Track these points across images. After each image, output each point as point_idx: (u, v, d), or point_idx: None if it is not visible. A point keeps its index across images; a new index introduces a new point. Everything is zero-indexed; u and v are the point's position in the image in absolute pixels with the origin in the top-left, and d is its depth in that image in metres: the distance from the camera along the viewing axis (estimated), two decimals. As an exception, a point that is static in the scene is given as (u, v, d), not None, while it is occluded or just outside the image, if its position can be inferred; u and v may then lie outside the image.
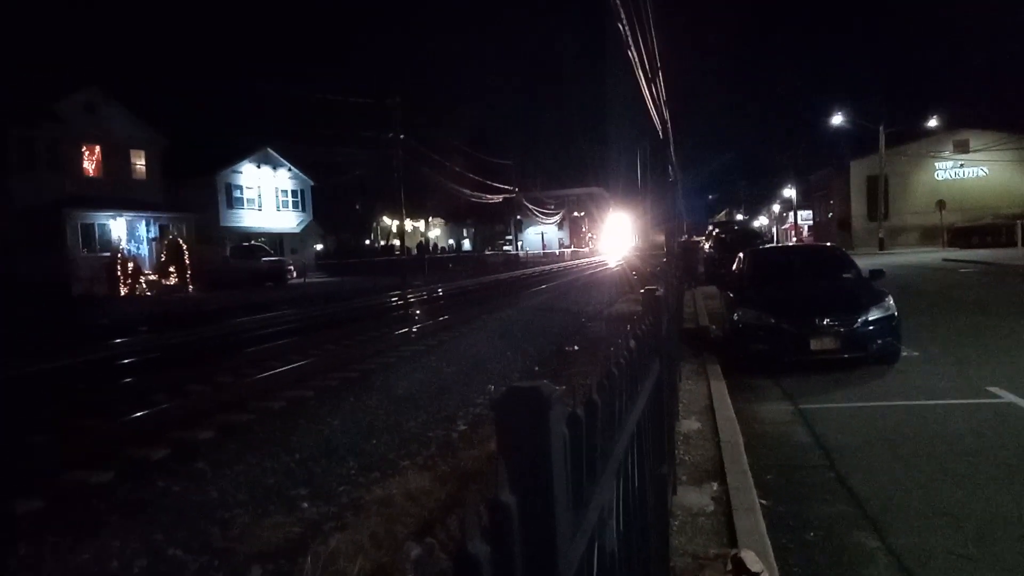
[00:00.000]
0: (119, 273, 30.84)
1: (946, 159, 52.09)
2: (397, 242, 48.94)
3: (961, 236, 45.04)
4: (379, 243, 67.50)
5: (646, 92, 16.75)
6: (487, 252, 70.33)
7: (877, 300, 9.64)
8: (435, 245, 69.55)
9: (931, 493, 5.04)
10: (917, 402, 7.63)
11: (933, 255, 35.82)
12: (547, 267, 54.26)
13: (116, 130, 36.21)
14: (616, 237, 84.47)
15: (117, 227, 34.75)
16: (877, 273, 10.82)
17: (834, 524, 4.62)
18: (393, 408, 8.91)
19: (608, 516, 1.71)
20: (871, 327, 9.28)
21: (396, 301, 25.35)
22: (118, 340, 16.07)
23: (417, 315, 19.69)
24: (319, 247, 56.07)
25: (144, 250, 35.62)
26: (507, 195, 63.90)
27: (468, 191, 55.56)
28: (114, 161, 36.48)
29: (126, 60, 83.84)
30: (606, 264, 51.79)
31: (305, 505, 5.84)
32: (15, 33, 57.23)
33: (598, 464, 1.52)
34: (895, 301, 9.73)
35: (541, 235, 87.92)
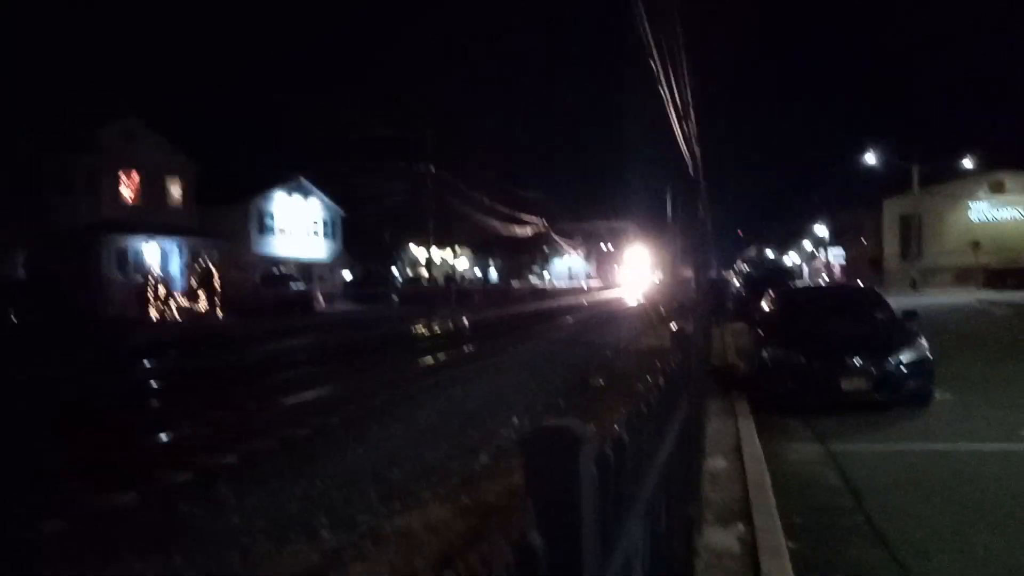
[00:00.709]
0: (150, 297, 31.28)
1: (981, 199, 51.45)
2: (424, 272, 49.19)
3: (996, 278, 44.28)
4: (406, 272, 67.89)
5: (677, 128, 16.78)
6: (513, 283, 70.36)
7: (910, 341, 9.47)
8: (462, 275, 69.80)
9: (963, 540, 4.89)
10: (950, 446, 7.44)
11: (967, 296, 35.21)
12: (573, 299, 54.16)
13: (152, 157, 36.99)
14: (644, 271, 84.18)
15: (150, 251, 35.33)
16: (911, 314, 10.64)
17: (863, 569, 4.50)
18: (416, 438, 8.88)
19: (634, 556, 1.67)
20: (904, 369, 9.11)
21: (422, 332, 25.40)
22: (146, 364, 16.25)
23: (442, 345, 19.70)
24: (347, 275, 56.48)
25: (176, 275, 36.15)
26: (535, 227, 64.07)
27: (496, 222, 55.80)
28: (149, 187, 37.23)
29: (164, 88, 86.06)
30: (633, 297, 51.62)
31: (325, 534, 5.81)
32: (58, 60, 59.03)
33: (626, 504, 1.49)
34: (928, 343, 9.55)
35: (568, 267, 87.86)
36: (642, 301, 43.31)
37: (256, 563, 5.29)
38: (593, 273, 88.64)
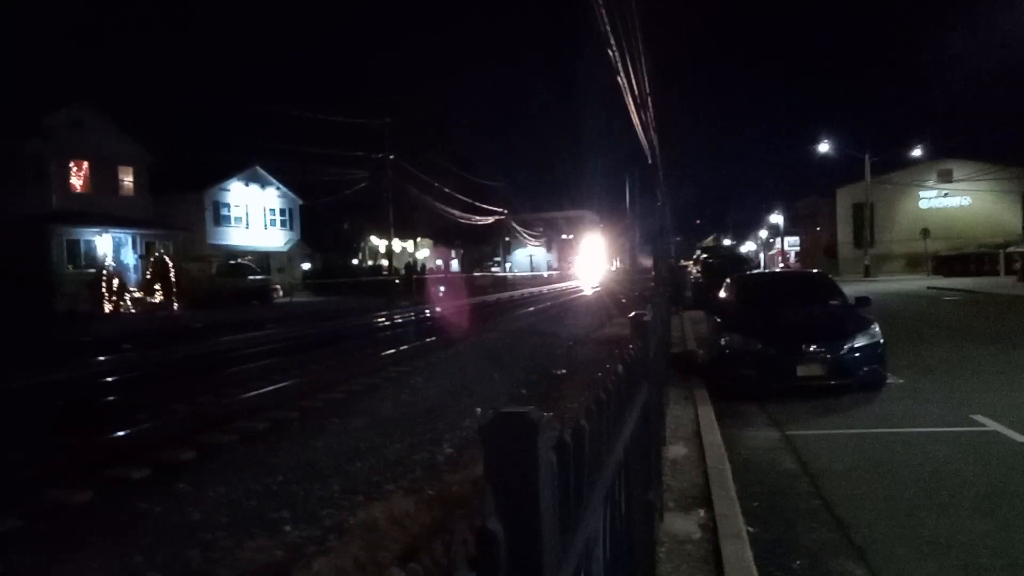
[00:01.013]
0: (104, 290, 30.59)
1: (930, 188, 52.77)
2: (385, 262, 48.86)
3: (945, 264, 45.52)
4: (367, 263, 67.37)
5: (635, 117, 16.89)
6: (475, 273, 70.29)
7: (863, 327, 9.69)
8: (423, 266, 69.46)
9: (917, 521, 5.04)
10: (902, 429, 7.64)
11: (918, 283, 36.12)
12: (535, 289, 54.28)
13: (103, 146, 36.12)
14: (604, 260, 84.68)
15: (103, 243, 34.53)
16: (863, 300, 10.88)
17: (821, 552, 4.61)
18: (378, 430, 8.84)
19: (595, 543, 1.69)
20: (857, 354, 9.32)
21: (383, 322, 25.25)
22: (100, 357, 15.91)
23: (403, 336, 19.61)
24: (306, 266, 55.88)
25: (130, 267, 35.40)
26: (497, 216, 64.04)
27: (457, 212, 55.63)
28: (101, 177, 36.34)
29: (114, 74, 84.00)
30: (594, 287, 51.92)
31: (288, 528, 5.76)
32: (5, 47, 57.17)
33: (585, 490, 1.50)
34: (881, 328, 9.78)
35: (530, 257, 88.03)
36: (601, 290, 43.60)
37: (218, 559, 5.23)
38: (554, 263, 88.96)
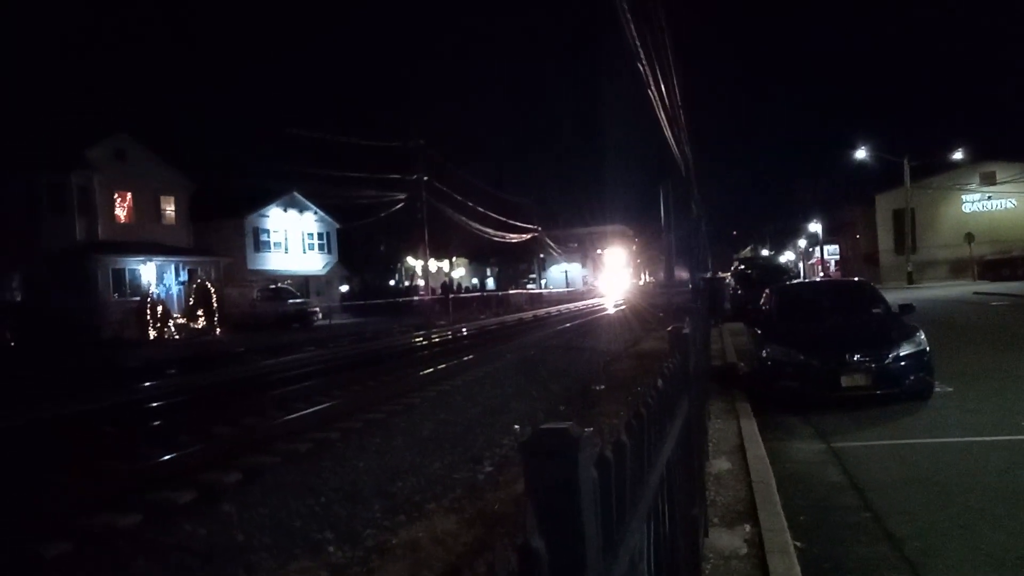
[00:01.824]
0: (148, 317, 31.24)
1: (973, 191, 51.66)
2: (421, 282, 49.20)
3: (991, 268, 44.45)
4: (404, 283, 67.88)
5: (667, 130, 16.83)
6: (511, 291, 70.39)
7: (908, 335, 9.49)
8: (459, 284, 69.76)
9: (972, 534, 4.88)
10: (953, 439, 7.44)
11: (963, 288, 35.30)
12: (571, 305, 54.16)
13: (145, 175, 37.01)
14: (640, 273, 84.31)
15: (147, 271, 35.32)
16: (907, 308, 10.66)
17: (871, 567, 4.49)
18: (418, 449, 8.87)
19: (639, 560, 1.67)
20: (903, 362, 9.12)
21: (420, 342, 25.38)
22: (145, 383, 16.21)
23: (441, 355, 19.68)
24: (344, 288, 56.47)
25: (173, 293, 36.11)
26: (531, 233, 64.16)
27: (491, 231, 55.84)
28: (143, 206, 37.22)
29: (154, 105, 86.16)
30: (630, 301, 51.66)
31: (331, 549, 5.79)
32: (48, 79, 59.08)
33: (628, 507, 1.49)
34: (926, 336, 9.57)
35: (565, 273, 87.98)
36: (640, 304, 43.33)
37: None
38: (591, 278, 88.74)
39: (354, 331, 31.20)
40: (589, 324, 30.89)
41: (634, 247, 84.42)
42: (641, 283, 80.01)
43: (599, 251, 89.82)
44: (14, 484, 7.85)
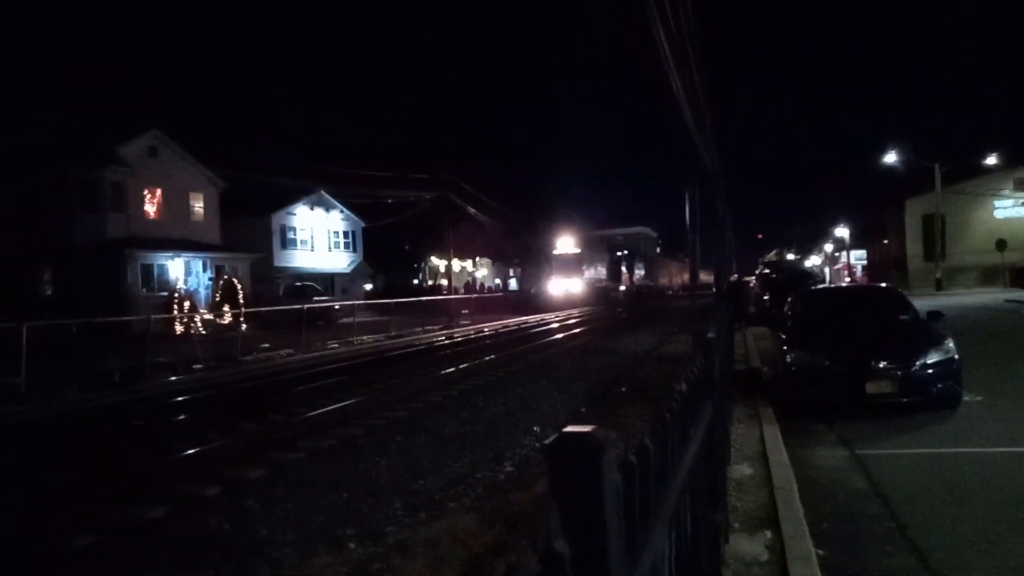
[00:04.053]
0: (176, 312, 31.61)
1: (1006, 197, 50.75)
2: (445, 282, 49.32)
3: (1023, 276, 43.64)
4: (427, 283, 68.09)
5: (693, 129, 16.72)
6: (532, 291, 70.33)
7: (936, 343, 9.36)
8: (482, 284, 69.80)
9: (999, 546, 4.82)
10: (981, 449, 7.33)
11: (994, 296, 34.70)
12: (594, 306, 53.99)
13: (176, 172, 37.46)
14: (664, 276, 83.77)
15: (175, 267, 35.74)
16: (936, 315, 10.52)
17: (895, 576, 4.44)
18: (440, 448, 8.91)
19: (661, 564, 1.68)
20: (930, 370, 9.00)
21: (443, 340, 25.46)
22: (172, 378, 16.42)
23: (463, 354, 19.72)
24: (369, 287, 56.77)
25: (200, 289, 36.50)
26: (554, 236, 64.05)
27: (515, 232, 55.87)
28: (173, 203, 37.66)
29: (186, 102, 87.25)
30: (654, 303, 51.41)
31: (352, 545, 5.83)
32: (81, 75, 60.03)
33: (651, 511, 1.50)
34: (955, 344, 9.43)
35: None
36: (664, 306, 43.12)
37: None
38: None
39: (378, 329, 31.32)
40: (610, 326, 30.80)
41: (658, 249, 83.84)
42: (681, 285, 78.66)
43: (620, 252, 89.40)
44: (40, 478, 8.00)
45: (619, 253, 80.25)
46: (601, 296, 58.07)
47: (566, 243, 61.76)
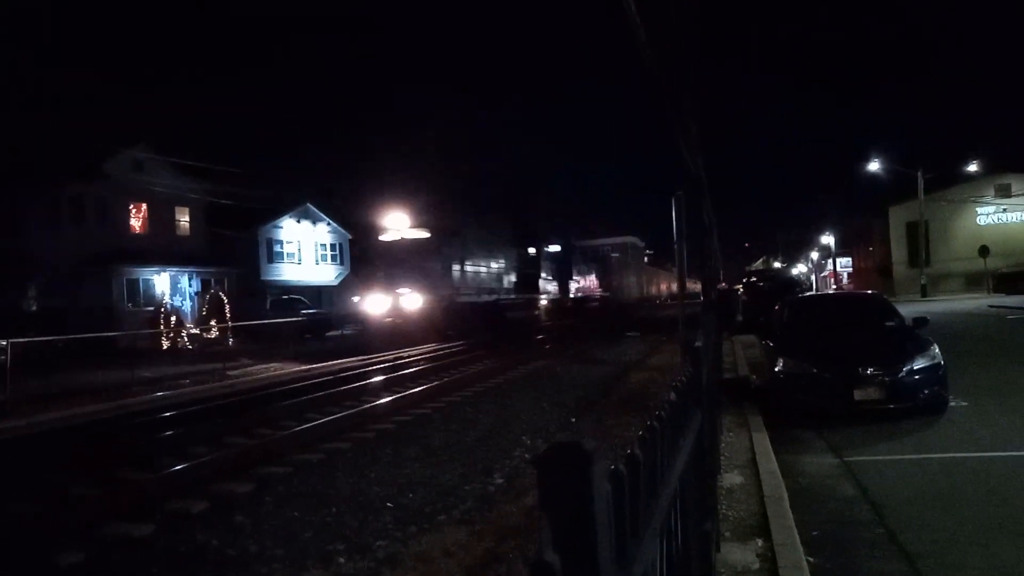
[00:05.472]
0: (162, 327, 31.41)
1: (988, 204, 51.28)
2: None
3: (1007, 282, 44.04)
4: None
5: (679, 135, 16.78)
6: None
7: (922, 349, 9.43)
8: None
9: (989, 551, 4.84)
10: (968, 454, 7.38)
11: (978, 302, 35.01)
12: (578, 317, 53.94)
13: (162, 186, 37.28)
14: (652, 285, 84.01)
15: (161, 281, 35.54)
16: (921, 321, 10.60)
17: (886, 583, 4.45)
18: (430, 460, 8.87)
19: (652, 574, 1.67)
20: (917, 376, 9.07)
21: (431, 353, 25.39)
22: (158, 392, 16.30)
23: (451, 366, 19.68)
24: (356, 299, 56.59)
25: (187, 304, 36.31)
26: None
27: (502, 243, 55.77)
28: (159, 217, 37.51)
29: (172, 115, 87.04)
30: (644, 312, 51.46)
31: (342, 560, 5.79)
32: (66, 90, 59.78)
33: (642, 521, 1.49)
34: (941, 350, 9.50)
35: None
36: (652, 315, 43.18)
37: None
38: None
39: (366, 341, 31.21)
40: (603, 336, 30.82)
41: (645, 259, 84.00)
42: (668, 294, 78.21)
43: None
44: (24, 493, 7.90)
45: (531, 250, 45.75)
46: (486, 319, 33.17)
47: (399, 220, 32.51)
